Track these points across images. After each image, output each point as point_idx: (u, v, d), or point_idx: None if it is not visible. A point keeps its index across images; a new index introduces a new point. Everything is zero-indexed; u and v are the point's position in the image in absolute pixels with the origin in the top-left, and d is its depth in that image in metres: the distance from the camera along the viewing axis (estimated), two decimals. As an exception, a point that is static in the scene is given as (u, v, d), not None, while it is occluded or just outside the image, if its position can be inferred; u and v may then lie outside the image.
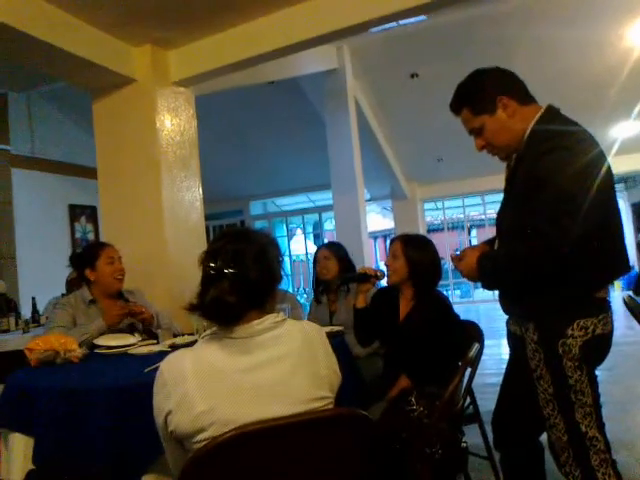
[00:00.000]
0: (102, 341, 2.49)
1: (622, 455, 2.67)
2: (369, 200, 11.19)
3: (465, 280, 1.80)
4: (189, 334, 2.60)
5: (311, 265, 3.49)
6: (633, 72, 6.67)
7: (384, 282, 2.64)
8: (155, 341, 2.57)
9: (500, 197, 1.81)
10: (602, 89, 7.10)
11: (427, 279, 2.44)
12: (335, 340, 2.21)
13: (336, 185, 6.32)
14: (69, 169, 7.25)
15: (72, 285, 3.70)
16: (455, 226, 15.88)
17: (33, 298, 4.70)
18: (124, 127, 3.71)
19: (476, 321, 2.53)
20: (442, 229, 13.94)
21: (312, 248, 13.90)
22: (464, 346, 2.10)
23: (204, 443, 1.12)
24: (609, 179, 1.55)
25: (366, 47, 6.49)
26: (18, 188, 6.57)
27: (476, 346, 2.06)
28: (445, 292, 11.48)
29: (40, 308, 4.66)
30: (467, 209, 13.43)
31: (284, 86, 6.46)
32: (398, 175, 10.12)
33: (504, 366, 1.91)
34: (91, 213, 7.61)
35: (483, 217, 13.34)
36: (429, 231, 13.26)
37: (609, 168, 1.55)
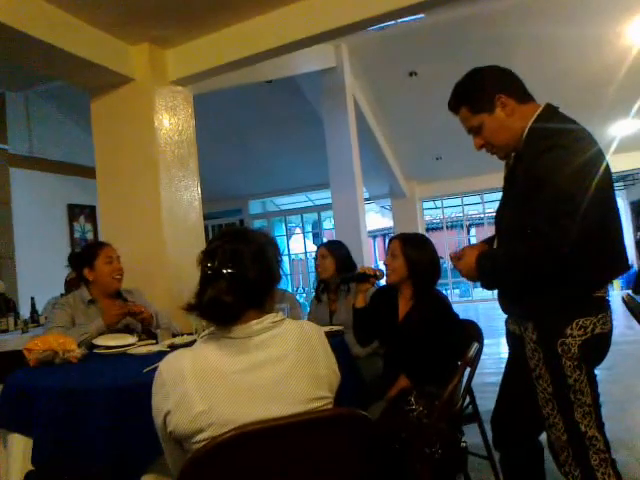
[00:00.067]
0: (101, 341, 2.48)
1: (622, 454, 2.67)
2: (368, 199, 11.20)
3: (464, 279, 1.79)
4: (188, 334, 2.60)
5: (310, 264, 3.50)
6: (631, 70, 6.67)
7: (383, 281, 2.64)
8: (154, 341, 2.57)
9: (499, 196, 1.81)
10: (600, 87, 7.10)
11: (426, 278, 2.44)
12: (334, 340, 2.21)
13: (335, 184, 6.31)
14: (68, 168, 7.24)
15: (71, 285, 3.70)
16: (454, 225, 15.90)
17: (32, 298, 4.70)
18: (122, 126, 3.70)
19: (475, 320, 2.52)
20: (441, 228, 13.96)
21: (311, 247, 13.91)
22: (463, 345, 2.10)
23: (203, 443, 1.12)
24: (608, 178, 1.54)
25: (364, 45, 6.48)
26: (16, 188, 6.56)
27: (475, 345, 2.06)
28: (444, 291, 11.50)
29: (39, 308, 4.65)
30: (466, 208, 13.46)
31: (282, 85, 6.46)
32: (397, 174, 10.12)
33: (503, 365, 1.91)
34: (90, 213, 7.61)
35: (482, 216, 13.36)
36: (428, 230, 13.28)
37: (608, 166, 1.54)
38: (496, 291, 1.80)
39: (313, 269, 3.41)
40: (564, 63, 6.75)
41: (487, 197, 12.07)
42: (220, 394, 1.16)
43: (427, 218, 13.50)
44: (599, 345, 1.59)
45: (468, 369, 2.02)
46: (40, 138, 6.99)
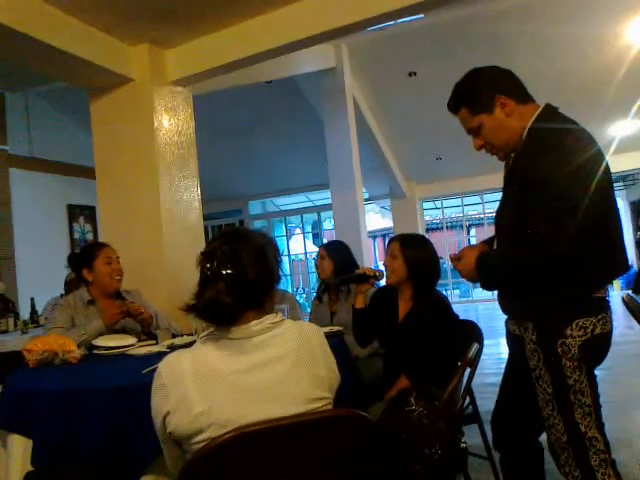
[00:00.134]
0: (101, 342, 2.48)
1: (622, 455, 2.66)
2: (368, 199, 11.20)
3: (464, 279, 1.80)
4: (188, 335, 2.60)
5: (310, 265, 3.53)
6: (631, 70, 6.67)
7: (383, 282, 2.64)
8: (154, 342, 2.57)
9: (499, 196, 1.81)
10: (600, 87, 7.10)
11: (426, 279, 2.44)
12: (334, 340, 2.21)
13: (335, 184, 6.32)
14: (67, 169, 7.24)
15: (71, 286, 3.71)
16: (454, 225, 15.88)
17: (32, 299, 4.70)
18: (122, 127, 3.70)
19: (475, 320, 2.52)
20: (441, 228, 13.96)
21: (311, 248, 13.91)
22: (463, 346, 2.10)
23: (203, 444, 1.11)
24: (607, 178, 1.54)
25: (364, 46, 6.49)
26: (16, 188, 6.56)
27: (475, 346, 2.06)
28: (444, 291, 11.49)
29: (39, 309, 4.65)
30: (466, 208, 13.46)
31: (282, 85, 6.46)
32: (397, 174, 10.12)
33: (503, 366, 1.90)
34: (90, 213, 7.61)
35: (482, 216, 13.36)
36: (428, 230, 13.27)
37: (607, 167, 1.54)
38: (496, 291, 1.80)
39: (313, 269, 3.43)
40: (564, 63, 6.76)
41: (487, 197, 12.06)
42: (220, 395, 1.16)
43: (427, 218, 13.50)
44: (599, 345, 1.58)
45: (468, 369, 2.02)
46: (40, 138, 6.98)
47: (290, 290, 12.00)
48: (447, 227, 14.27)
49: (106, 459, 1.65)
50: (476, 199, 12.90)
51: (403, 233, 2.60)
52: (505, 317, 1.85)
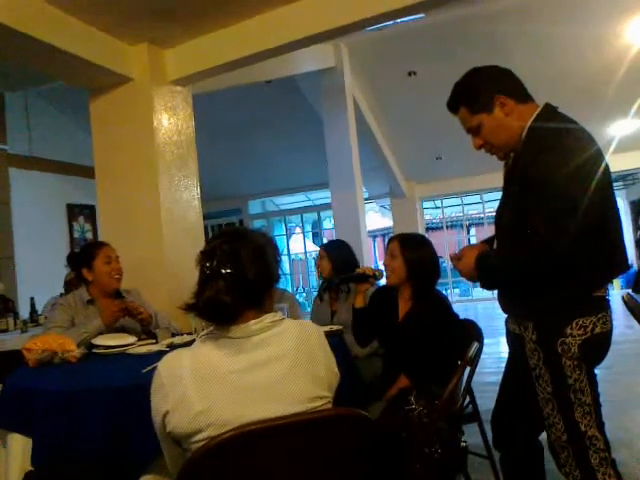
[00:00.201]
0: (100, 341, 2.48)
1: (622, 454, 2.67)
2: (368, 199, 11.20)
3: (464, 279, 1.80)
4: (188, 334, 2.60)
5: (310, 264, 3.54)
6: (630, 70, 6.67)
7: (383, 281, 2.64)
8: (154, 341, 2.57)
9: (499, 195, 1.81)
10: (599, 87, 7.10)
11: (426, 278, 2.43)
12: (334, 339, 2.20)
13: (334, 184, 6.32)
14: (67, 168, 7.24)
15: (71, 285, 3.71)
16: (454, 225, 15.89)
17: (31, 298, 4.70)
18: (121, 126, 3.70)
19: (475, 320, 2.52)
20: (441, 228, 13.96)
21: (311, 247, 13.91)
22: (463, 345, 2.10)
23: (202, 443, 1.11)
24: (607, 178, 1.54)
25: (364, 45, 6.49)
26: (16, 188, 6.56)
27: (475, 345, 2.06)
28: (444, 291, 11.50)
29: (39, 308, 4.65)
30: (466, 207, 13.46)
31: (282, 85, 6.46)
32: (396, 173, 10.12)
33: (503, 365, 1.90)
34: (89, 213, 7.61)
35: (482, 215, 13.35)
36: (428, 230, 13.27)
37: (607, 166, 1.54)
38: (496, 291, 1.80)
39: (313, 269, 3.44)
40: (563, 63, 6.76)
41: (487, 197, 12.06)
42: (219, 394, 1.16)
43: (427, 218, 13.49)
44: (599, 345, 1.58)
45: (468, 369, 2.02)
46: (40, 138, 6.98)
47: (290, 289, 11.99)
48: (447, 226, 14.27)
49: (106, 459, 1.65)
50: (476, 198, 12.90)
51: (403, 233, 2.60)
52: (505, 316, 1.85)
